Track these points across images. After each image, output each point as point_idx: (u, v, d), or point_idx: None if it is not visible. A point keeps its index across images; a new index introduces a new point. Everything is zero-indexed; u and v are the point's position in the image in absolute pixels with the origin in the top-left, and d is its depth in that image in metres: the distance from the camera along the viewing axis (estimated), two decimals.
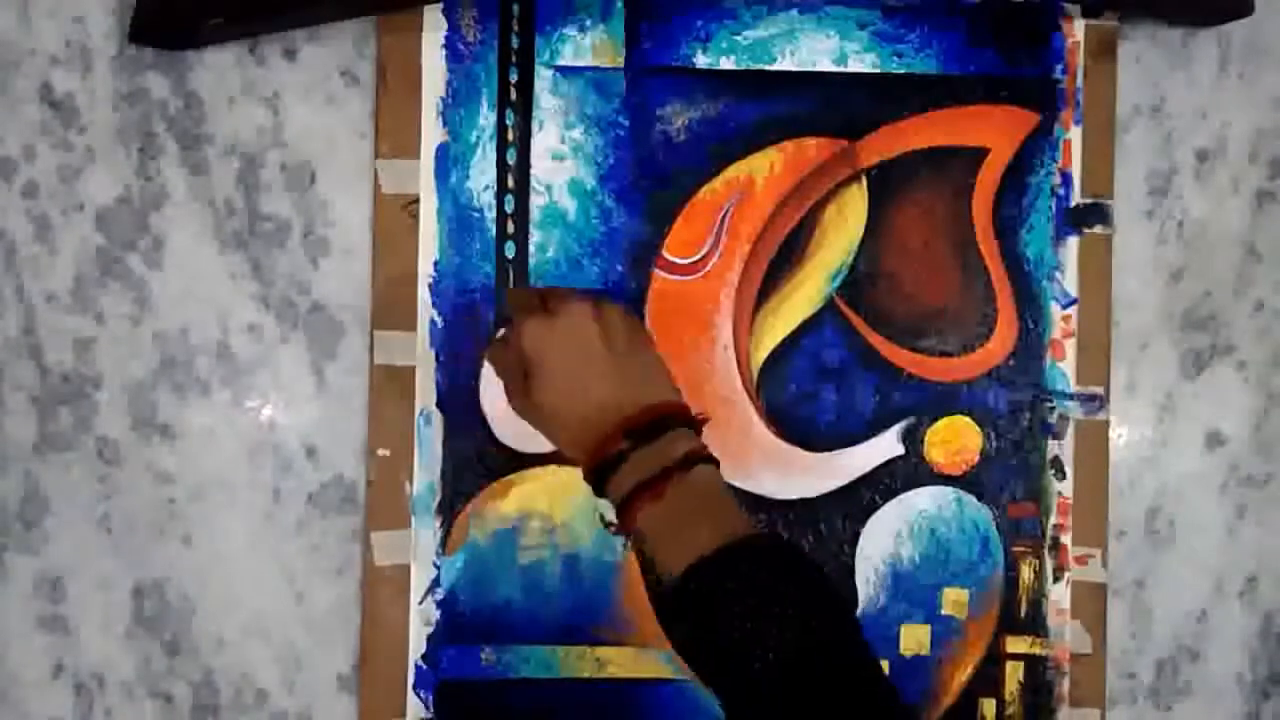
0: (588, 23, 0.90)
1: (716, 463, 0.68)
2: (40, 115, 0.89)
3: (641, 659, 0.89)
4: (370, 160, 0.90)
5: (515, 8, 0.89)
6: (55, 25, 0.89)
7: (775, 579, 0.60)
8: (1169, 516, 0.94)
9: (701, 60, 0.90)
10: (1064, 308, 0.91)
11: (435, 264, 0.89)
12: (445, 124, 0.89)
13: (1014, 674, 0.91)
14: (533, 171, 0.90)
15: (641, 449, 0.66)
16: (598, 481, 0.69)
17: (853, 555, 0.91)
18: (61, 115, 0.89)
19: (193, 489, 0.90)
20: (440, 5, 0.88)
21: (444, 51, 0.89)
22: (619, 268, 0.90)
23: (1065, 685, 0.91)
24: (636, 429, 0.67)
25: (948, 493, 0.91)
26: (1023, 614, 0.91)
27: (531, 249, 0.90)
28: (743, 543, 0.62)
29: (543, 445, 0.88)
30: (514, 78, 0.89)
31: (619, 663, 0.89)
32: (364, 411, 0.90)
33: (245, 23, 0.87)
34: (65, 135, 0.89)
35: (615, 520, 0.68)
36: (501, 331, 0.77)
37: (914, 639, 0.91)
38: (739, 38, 0.90)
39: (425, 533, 0.89)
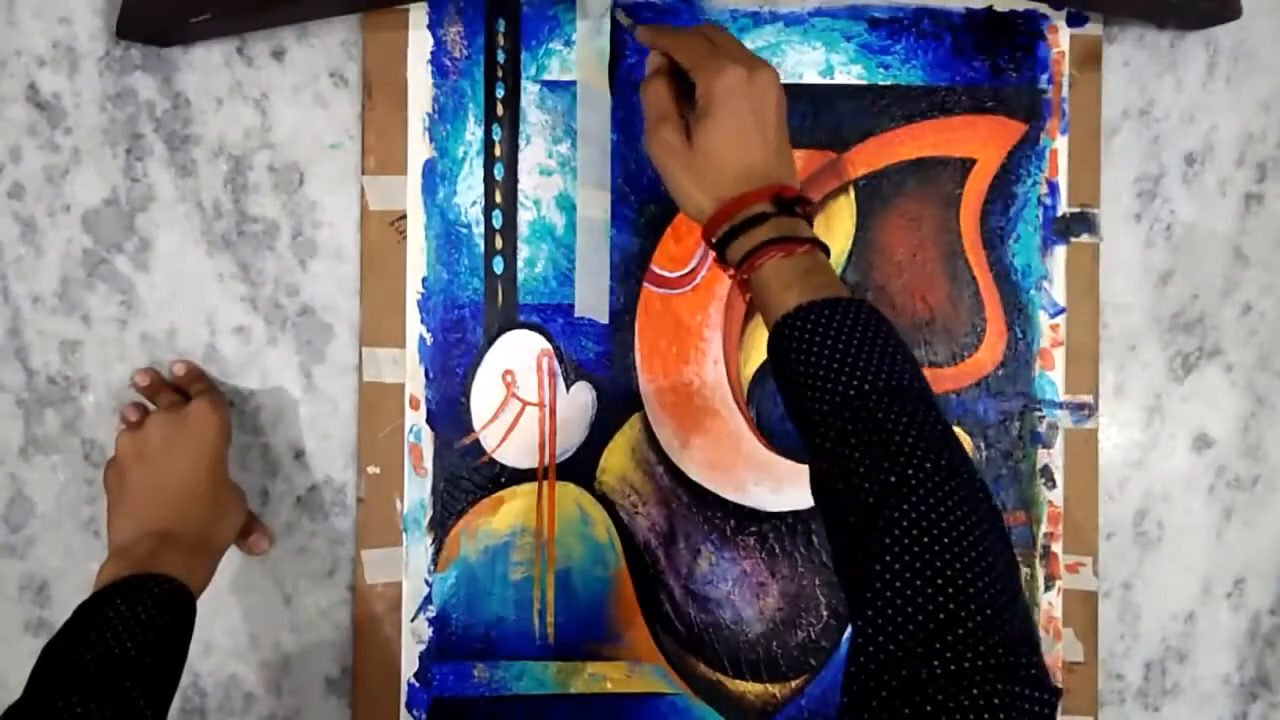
0: (573, 37, 0.89)
1: (828, 254, 0.74)
2: (27, 116, 0.89)
3: (635, 674, 0.90)
4: (358, 162, 0.90)
5: (501, 23, 0.89)
6: (42, 26, 0.89)
7: (866, 331, 0.67)
8: (1157, 518, 0.95)
9: None
10: (1052, 317, 0.91)
11: (424, 280, 0.89)
12: (432, 140, 0.89)
13: None
14: (520, 186, 0.90)
15: (784, 216, 0.71)
16: (728, 233, 0.72)
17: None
18: (48, 116, 0.89)
19: None
20: (426, 23, 0.88)
21: (430, 67, 0.89)
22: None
23: None
24: (784, 199, 0.72)
25: None
26: None
27: (520, 264, 0.90)
28: (854, 300, 0.69)
29: (533, 461, 0.89)
30: (500, 93, 0.89)
31: (612, 678, 0.90)
32: (353, 414, 0.90)
33: (231, 19, 0.86)
34: (52, 136, 0.89)
35: (732, 266, 0.73)
36: (657, 63, 0.79)
37: None
38: None
39: (416, 550, 0.90)
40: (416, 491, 0.90)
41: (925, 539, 0.57)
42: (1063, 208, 0.91)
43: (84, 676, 0.67)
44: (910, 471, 0.60)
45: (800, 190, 0.74)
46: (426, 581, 0.90)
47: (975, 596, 0.56)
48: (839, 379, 0.65)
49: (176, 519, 0.80)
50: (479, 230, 0.89)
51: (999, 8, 0.91)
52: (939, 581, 0.56)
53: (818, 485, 0.66)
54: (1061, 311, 0.91)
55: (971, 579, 0.56)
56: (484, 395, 0.90)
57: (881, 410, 0.63)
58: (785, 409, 0.72)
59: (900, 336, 0.69)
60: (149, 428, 0.82)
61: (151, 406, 0.86)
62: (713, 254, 0.75)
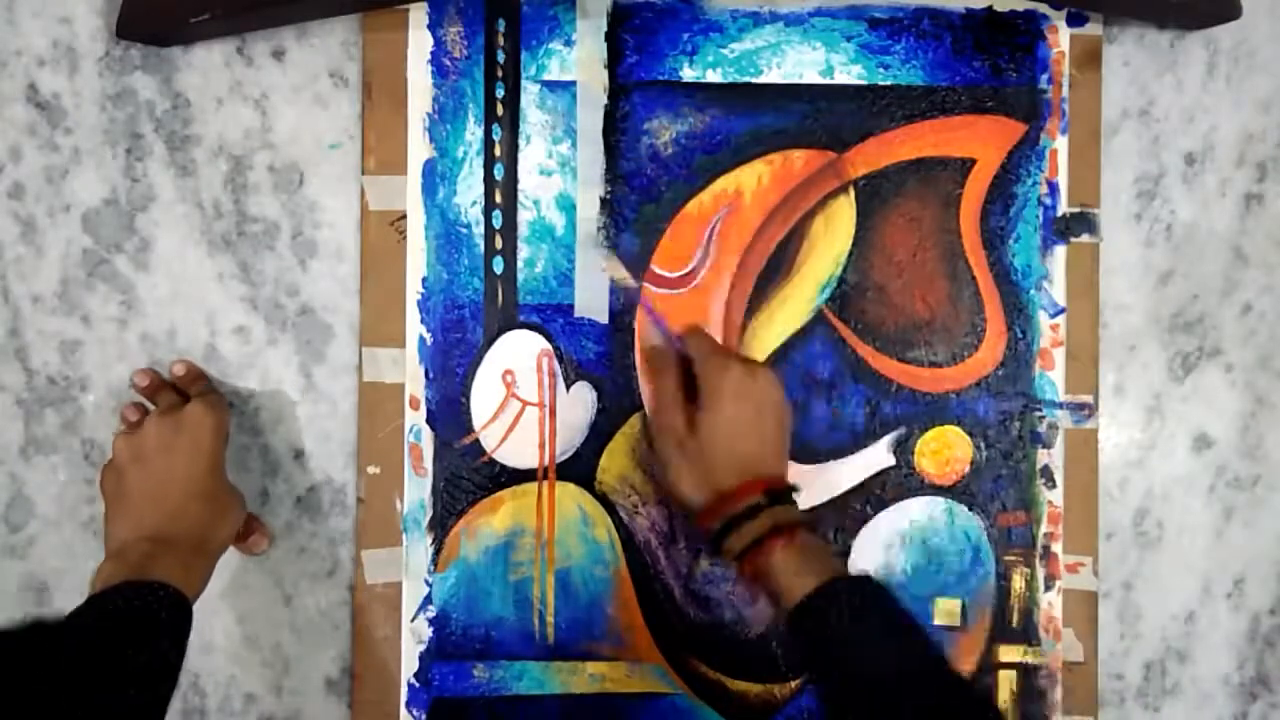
0: (573, 37, 0.89)
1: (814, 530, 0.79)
2: (27, 116, 0.89)
3: (634, 674, 0.90)
4: (358, 162, 0.90)
5: (501, 23, 0.89)
6: (42, 26, 0.89)
7: (879, 607, 0.73)
8: (1157, 518, 0.95)
9: (688, 74, 0.90)
10: (1052, 317, 0.91)
11: (423, 280, 0.89)
12: (432, 140, 0.89)
13: (1007, 683, 0.91)
14: (520, 186, 0.90)
15: (777, 506, 0.77)
16: (726, 524, 0.78)
17: (845, 567, 0.90)
18: (48, 116, 0.89)
19: None
20: (426, 23, 0.88)
21: (430, 67, 0.89)
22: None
23: (1058, 693, 0.92)
24: (775, 490, 0.78)
25: (939, 503, 0.91)
26: (1015, 623, 0.91)
27: (520, 264, 0.90)
28: (853, 578, 0.74)
29: (533, 461, 0.89)
30: (500, 93, 0.89)
31: (612, 678, 0.90)
32: (353, 414, 0.90)
33: (231, 19, 0.86)
34: (52, 136, 0.89)
35: (731, 554, 0.78)
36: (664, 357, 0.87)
37: None
38: (725, 51, 0.90)
39: (417, 550, 0.89)
40: (416, 491, 0.89)
41: None
42: (1063, 208, 0.91)
43: (77, 683, 0.67)
44: None
45: (787, 481, 0.81)
46: (426, 581, 0.89)
47: None
48: (875, 656, 0.70)
49: (172, 522, 0.80)
50: (479, 230, 0.89)
51: (999, 8, 0.91)
52: None
53: None
54: (1061, 311, 0.91)
55: None
56: (484, 395, 0.90)
57: (924, 690, 0.68)
58: (814, 684, 0.81)
59: (894, 597, 0.74)
60: (145, 430, 0.82)
61: (151, 407, 0.86)
62: (703, 532, 0.80)
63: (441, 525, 0.89)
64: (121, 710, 0.67)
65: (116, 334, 0.90)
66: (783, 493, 0.78)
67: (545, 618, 0.90)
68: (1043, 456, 0.92)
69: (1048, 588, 0.92)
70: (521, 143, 0.89)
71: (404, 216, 0.89)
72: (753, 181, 0.90)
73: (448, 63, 0.89)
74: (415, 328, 0.89)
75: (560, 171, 0.90)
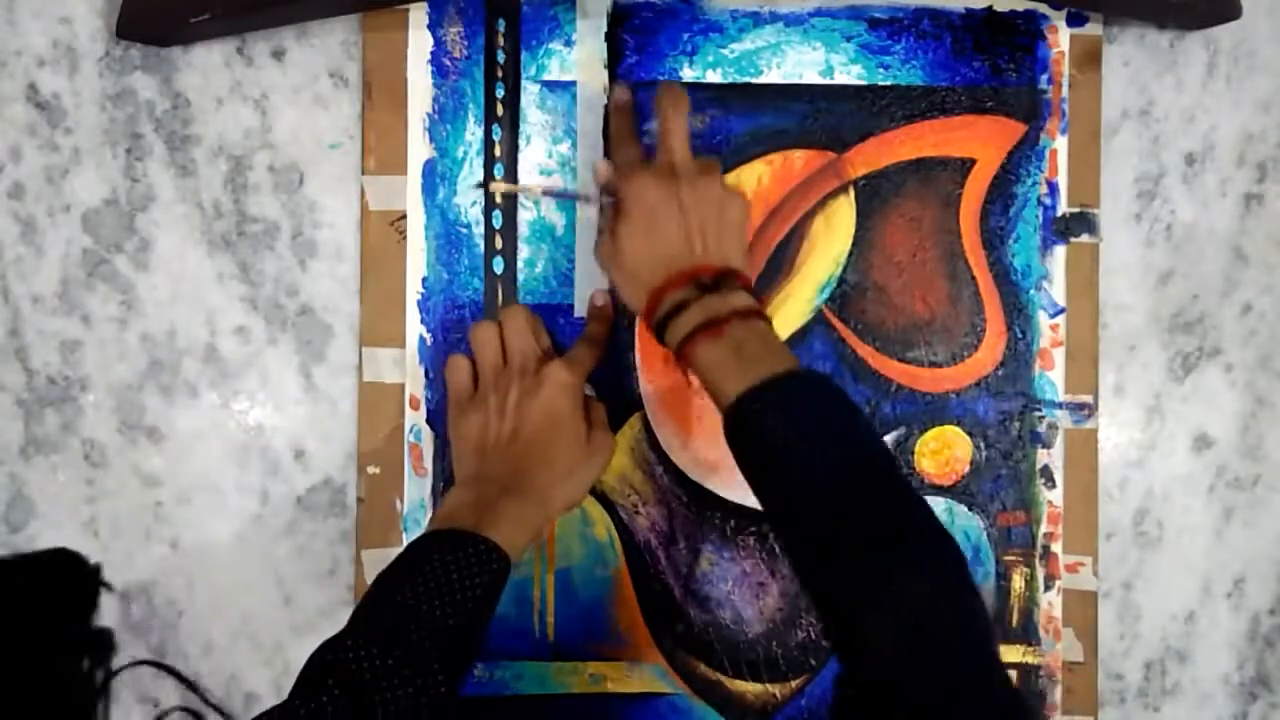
0: (573, 37, 0.89)
1: (769, 321, 0.76)
2: (27, 116, 0.89)
3: (635, 673, 0.90)
4: (358, 162, 0.90)
5: (501, 23, 0.89)
6: (42, 26, 0.89)
7: (820, 408, 0.69)
8: (1157, 518, 0.95)
9: (688, 74, 0.90)
10: (1052, 317, 0.91)
11: (423, 280, 0.89)
12: (432, 140, 0.89)
13: None
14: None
15: (707, 297, 0.74)
16: (660, 323, 0.76)
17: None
18: (48, 116, 0.89)
19: (180, 492, 0.90)
20: (426, 23, 0.88)
21: (430, 67, 0.89)
22: (608, 282, 0.90)
23: (1058, 693, 0.92)
24: (702, 280, 0.75)
25: (938, 503, 0.91)
26: (1014, 623, 0.91)
27: (520, 264, 0.89)
28: (792, 375, 0.70)
29: None
30: (500, 93, 0.89)
31: (613, 678, 0.90)
32: (353, 414, 0.90)
33: (231, 19, 0.86)
34: (52, 136, 0.89)
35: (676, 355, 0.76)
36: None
37: None
38: (725, 51, 0.90)
39: None
40: (416, 491, 0.89)
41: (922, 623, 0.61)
42: (1062, 208, 0.91)
43: (384, 628, 0.70)
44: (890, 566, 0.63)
45: (725, 267, 0.76)
46: None
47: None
48: (811, 466, 0.67)
49: (520, 478, 0.80)
50: (479, 230, 0.89)
51: (999, 8, 0.91)
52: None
53: (797, 568, 0.69)
54: (1061, 311, 0.91)
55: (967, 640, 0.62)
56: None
57: (849, 498, 0.66)
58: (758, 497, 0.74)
59: (841, 394, 0.71)
60: (543, 378, 0.83)
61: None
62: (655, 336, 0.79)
63: None
64: (420, 657, 0.69)
65: (116, 334, 0.90)
66: (716, 280, 0.75)
67: (545, 617, 0.90)
68: (1042, 456, 0.92)
69: (1047, 588, 0.92)
70: (521, 143, 0.89)
71: (404, 216, 0.89)
72: (753, 181, 0.90)
73: (448, 63, 0.89)
74: (415, 328, 0.89)
75: (560, 171, 0.90)
